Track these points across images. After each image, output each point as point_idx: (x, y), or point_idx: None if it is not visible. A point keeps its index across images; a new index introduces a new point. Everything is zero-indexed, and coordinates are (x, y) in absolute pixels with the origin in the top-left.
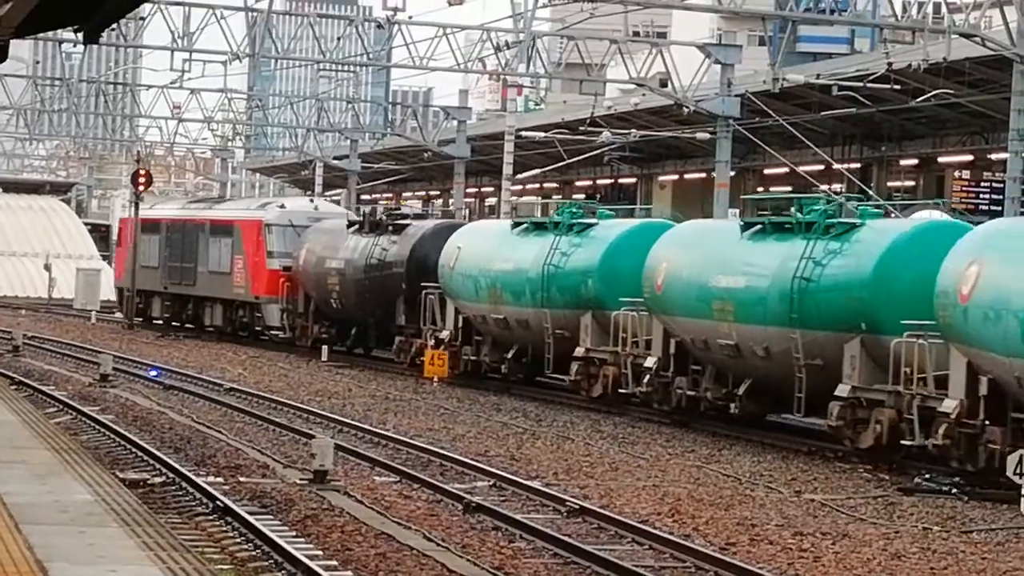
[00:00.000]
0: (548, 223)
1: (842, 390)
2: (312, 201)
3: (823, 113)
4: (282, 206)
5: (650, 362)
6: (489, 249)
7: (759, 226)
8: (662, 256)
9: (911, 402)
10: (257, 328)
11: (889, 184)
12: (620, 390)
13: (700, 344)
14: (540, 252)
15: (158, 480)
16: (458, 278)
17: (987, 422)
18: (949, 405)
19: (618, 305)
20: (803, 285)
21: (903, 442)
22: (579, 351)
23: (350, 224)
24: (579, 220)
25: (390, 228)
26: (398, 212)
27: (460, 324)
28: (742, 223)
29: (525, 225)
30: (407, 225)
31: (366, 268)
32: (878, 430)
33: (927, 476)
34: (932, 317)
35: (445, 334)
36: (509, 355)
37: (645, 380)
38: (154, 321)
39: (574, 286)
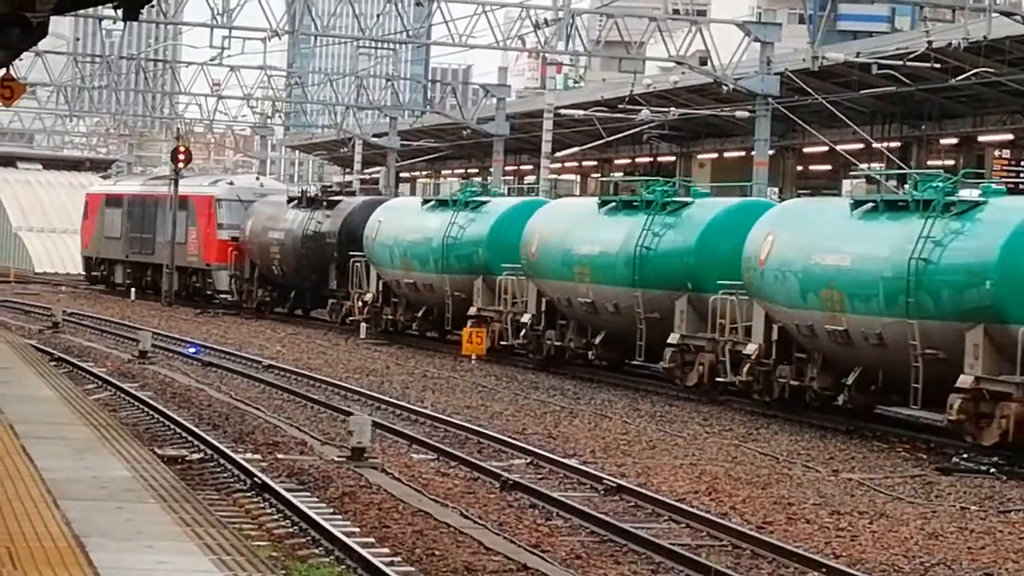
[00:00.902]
0: (449, 200)
1: (672, 338)
2: (258, 179)
3: (863, 92)
4: (231, 183)
5: (526, 318)
6: (403, 223)
7: (613, 204)
8: (535, 229)
9: (724, 347)
10: (208, 292)
11: (929, 163)
12: (503, 342)
13: (564, 302)
14: (442, 225)
15: (196, 456)
16: (378, 248)
17: (778, 361)
18: (751, 348)
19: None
20: (643, 252)
21: (718, 379)
22: (472, 309)
23: (290, 199)
24: (474, 198)
25: (324, 203)
26: (331, 189)
27: (380, 288)
28: (599, 200)
29: (432, 202)
30: (339, 201)
31: (303, 239)
32: (700, 371)
33: (965, 455)
34: (741, 278)
35: (369, 296)
36: (419, 314)
37: (522, 333)
38: (117, 287)
39: (468, 255)
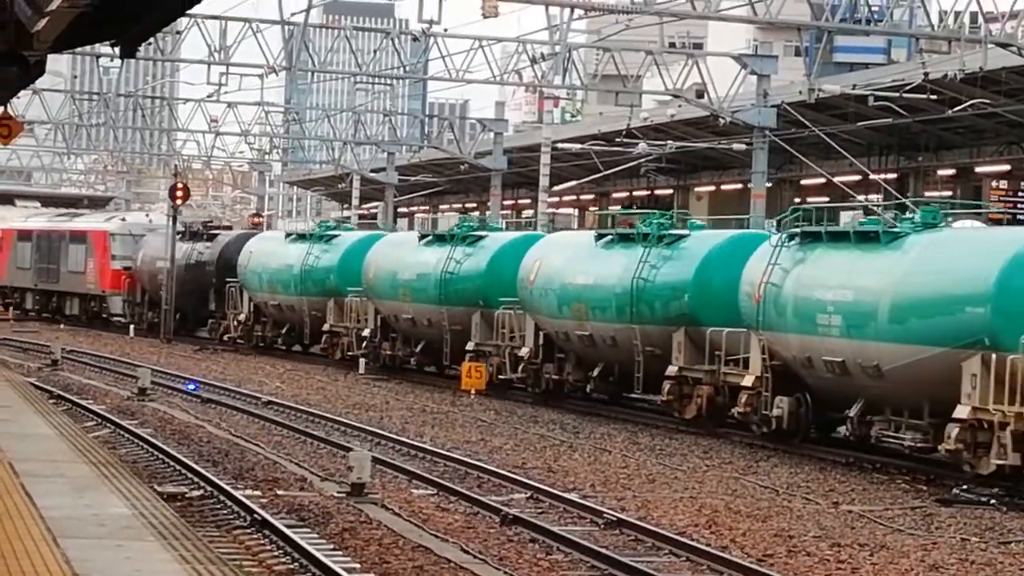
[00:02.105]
0: (307, 234)
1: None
2: (147, 215)
3: (859, 123)
4: (123, 219)
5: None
6: (268, 253)
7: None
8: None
9: (504, 351)
10: (104, 316)
11: (926, 194)
12: (349, 353)
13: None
14: (300, 255)
15: (196, 493)
16: (249, 275)
17: (544, 361)
18: (525, 352)
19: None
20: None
21: (500, 376)
22: (325, 326)
23: (176, 233)
24: (327, 232)
25: (205, 236)
26: (212, 224)
27: (252, 309)
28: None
29: (293, 236)
30: (218, 234)
31: (187, 267)
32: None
33: (965, 487)
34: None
35: (243, 316)
36: (283, 331)
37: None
38: (28, 312)
39: (321, 279)
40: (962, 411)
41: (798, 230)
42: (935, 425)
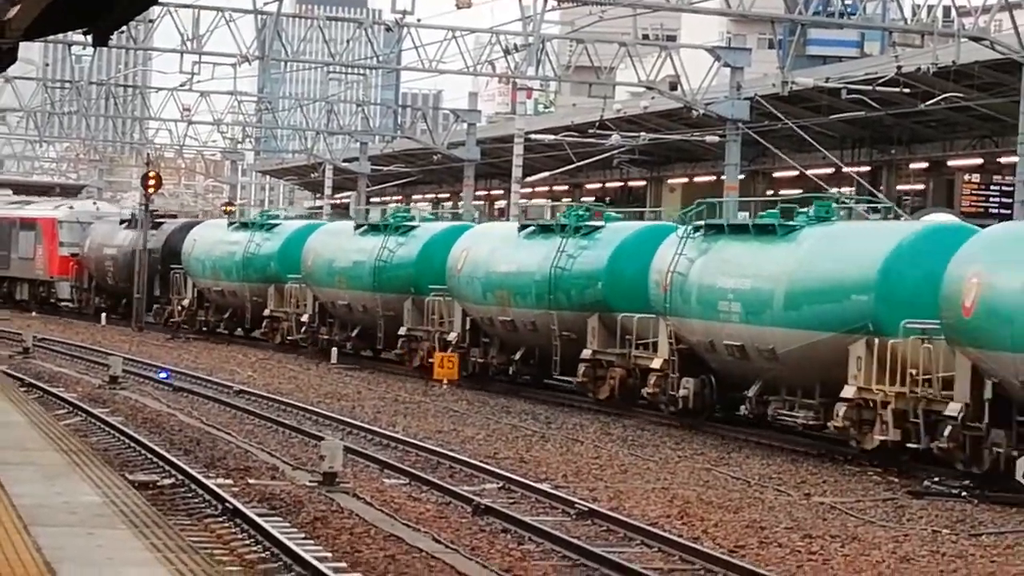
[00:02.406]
0: (249, 223)
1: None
2: (95, 203)
3: (832, 116)
4: (71, 207)
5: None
6: (211, 241)
7: (531, 228)
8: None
9: (435, 336)
10: (51, 301)
11: (899, 187)
12: (289, 337)
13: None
14: (241, 243)
15: (167, 482)
16: (193, 261)
17: (471, 345)
18: (453, 336)
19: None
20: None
21: (430, 360)
22: (266, 311)
23: (122, 221)
24: (269, 220)
25: (151, 224)
26: (158, 213)
27: (195, 295)
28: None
29: (235, 224)
30: (163, 222)
31: (132, 254)
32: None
33: (936, 479)
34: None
35: (186, 302)
36: (225, 316)
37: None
38: None
39: (262, 266)
40: (849, 391)
41: (702, 222)
42: (825, 404)
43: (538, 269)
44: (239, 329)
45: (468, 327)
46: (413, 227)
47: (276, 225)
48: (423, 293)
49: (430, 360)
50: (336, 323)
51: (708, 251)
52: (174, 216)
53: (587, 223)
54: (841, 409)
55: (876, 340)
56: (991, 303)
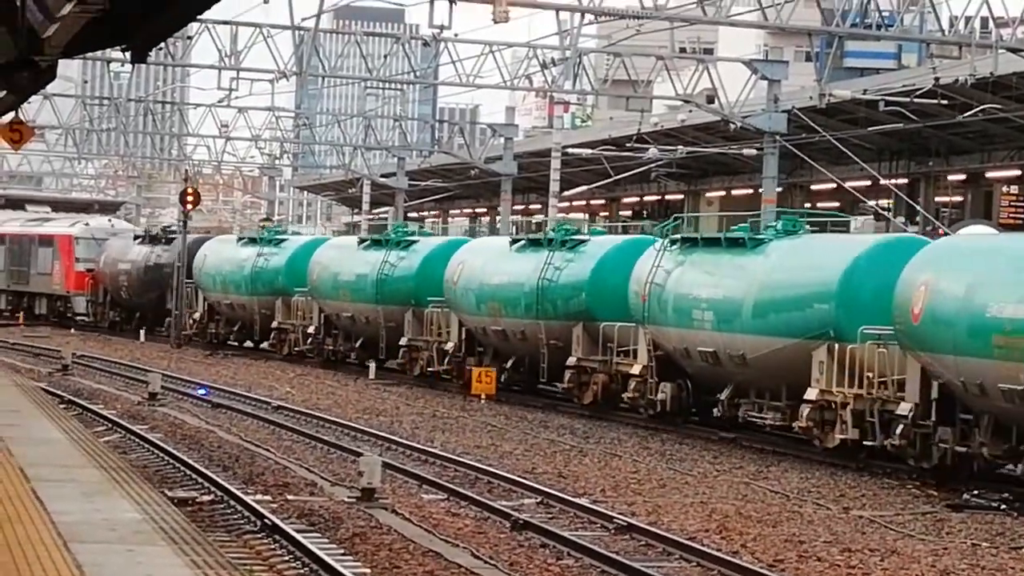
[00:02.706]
0: (257, 238)
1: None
2: (110, 220)
3: (870, 128)
4: (87, 224)
5: (449, 346)
6: (221, 256)
7: (522, 241)
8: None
9: (433, 346)
10: (68, 315)
11: (937, 199)
12: (296, 348)
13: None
14: (250, 258)
15: (206, 498)
16: (204, 276)
17: (467, 355)
18: (450, 346)
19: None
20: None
21: (430, 368)
22: (274, 323)
23: (136, 237)
24: (276, 236)
25: (163, 240)
26: (169, 228)
27: (206, 308)
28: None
29: (244, 240)
30: (175, 238)
31: (146, 268)
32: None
33: (976, 492)
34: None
35: (198, 315)
36: (235, 328)
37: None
38: (2, 312)
39: (270, 280)
40: (811, 393)
41: (679, 236)
42: (791, 406)
43: (527, 281)
44: (248, 341)
45: (464, 337)
46: (413, 241)
47: (283, 240)
48: (423, 305)
49: (429, 369)
50: (340, 334)
51: (684, 263)
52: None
53: (572, 237)
54: (805, 410)
55: (837, 346)
56: (936, 310)
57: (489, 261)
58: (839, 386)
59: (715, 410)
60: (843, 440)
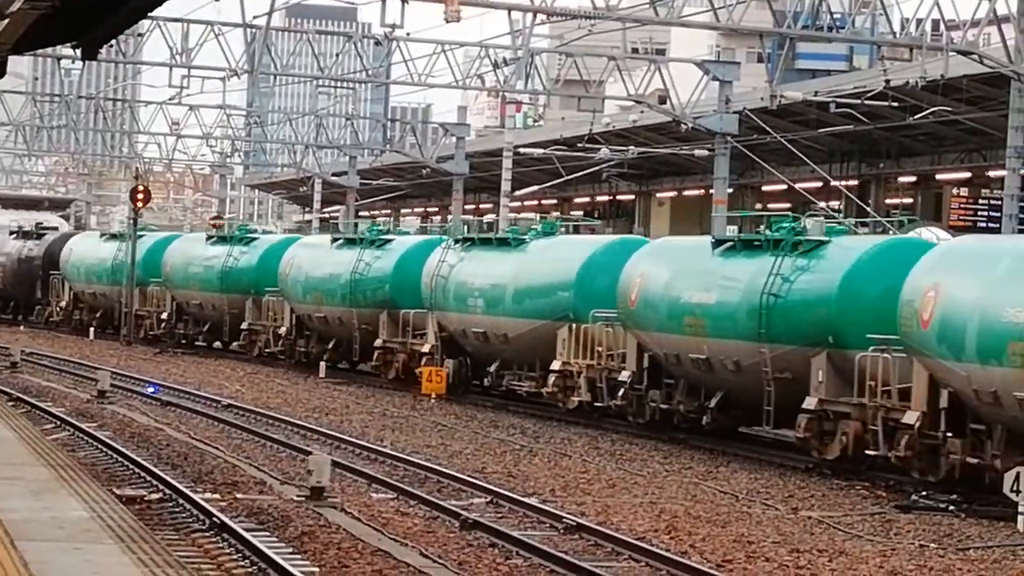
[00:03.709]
0: (118, 234)
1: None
2: None
3: (821, 130)
4: None
5: (426, 348)
6: (86, 249)
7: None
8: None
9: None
10: None
11: (887, 201)
12: (267, 350)
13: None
14: (114, 250)
15: (155, 496)
16: (71, 268)
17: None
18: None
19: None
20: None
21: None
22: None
23: (11, 232)
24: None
25: (35, 235)
26: (42, 224)
27: (72, 297)
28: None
29: (106, 236)
30: (45, 233)
31: (19, 261)
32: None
33: (924, 493)
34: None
35: (64, 303)
36: (98, 315)
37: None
38: None
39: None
40: (556, 364)
41: (460, 236)
42: (542, 375)
43: (343, 274)
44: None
45: (294, 322)
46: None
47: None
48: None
49: (267, 350)
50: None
51: (463, 259)
52: (54, 228)
53: (381, 236)
54: (551, 378)
55: (575, 325)
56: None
57: (313, 256)
58: (576, 357)
59: (485, 380)
60: (580, 402)
